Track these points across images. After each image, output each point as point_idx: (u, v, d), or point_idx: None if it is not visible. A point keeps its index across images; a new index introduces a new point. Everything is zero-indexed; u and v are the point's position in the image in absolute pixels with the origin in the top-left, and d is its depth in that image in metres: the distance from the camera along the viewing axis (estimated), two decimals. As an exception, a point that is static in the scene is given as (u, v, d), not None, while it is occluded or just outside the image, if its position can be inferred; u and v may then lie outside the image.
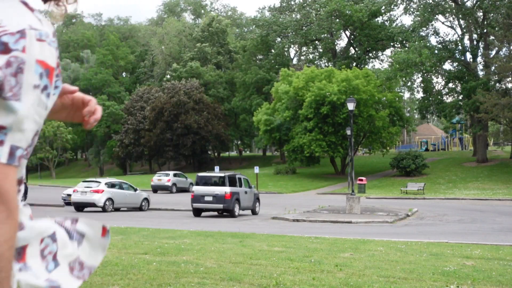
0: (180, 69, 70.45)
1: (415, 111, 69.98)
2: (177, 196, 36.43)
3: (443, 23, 51.98)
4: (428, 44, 47.75)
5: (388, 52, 63.18)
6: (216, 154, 71.36)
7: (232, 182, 23.15)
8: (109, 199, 25.39)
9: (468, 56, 50.04)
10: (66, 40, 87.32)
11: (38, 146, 68.69)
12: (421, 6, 47.75)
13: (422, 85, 53.08)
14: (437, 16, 49.39)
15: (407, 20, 65.89)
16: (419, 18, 48.32)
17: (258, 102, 60.12)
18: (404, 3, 50.81)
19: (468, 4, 48.42)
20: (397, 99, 49.73)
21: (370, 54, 63.84)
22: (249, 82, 63.97)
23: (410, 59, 45.04)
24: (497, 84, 46.69)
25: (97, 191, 25.06)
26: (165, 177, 41.33)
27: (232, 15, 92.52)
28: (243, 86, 65.52)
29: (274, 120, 48.15)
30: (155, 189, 40.86)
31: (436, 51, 48.17)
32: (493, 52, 48.34)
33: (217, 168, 35.48)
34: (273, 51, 64.96)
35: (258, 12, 71.24)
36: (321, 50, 63.90)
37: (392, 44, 59.26)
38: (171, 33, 79.08)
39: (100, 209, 25.03)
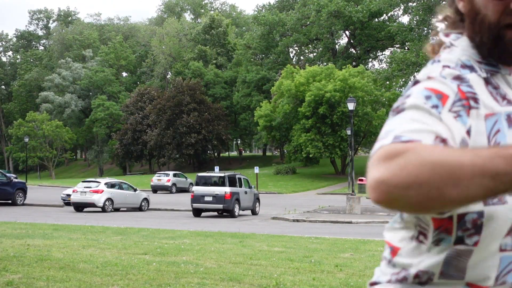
0: (184, 70, 70.49)
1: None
2: (177, 196, 36.40)
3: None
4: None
5: (388, 52, 63.26)
6: (216, 154, 71.39)
7: (232, 182, 23.12)
8: (109, 199, 25.34)
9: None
10: (69, 39, 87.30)
11: (38, 146, 68.72)
12: (420, 7, 47.70)
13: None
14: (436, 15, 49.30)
15: (407, 20, 65.65)
16: (417, 17, 48.33)
17: (258, 99, 60.15)
18: (404, 3, 50.79)
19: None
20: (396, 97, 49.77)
21: (371, 54, 63.88)
22: (251, 80, 63.99)
23: (407, 59, 45.07)
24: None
25: (96, 191, 25.01)
26: (165, 177, 41.30)
27: (231, 13, 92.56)
28: (244, 84, 65.50)
29: (275, 117, 48.20)
30: (155, 189, 40.82)
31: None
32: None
33: (217, 168, 35.45)
34: (273, 50, 64.95)
35: (256, 10, 71.32)
36: (321, 49, 63.95)
37: (392, 43, 59.29)
38: (171, 33, 79.13)
39: (99, 209, 24.99)
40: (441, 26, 1.39)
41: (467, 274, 1.20)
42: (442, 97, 1.13)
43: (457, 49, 1.27)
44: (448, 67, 1.22)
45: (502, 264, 1.20)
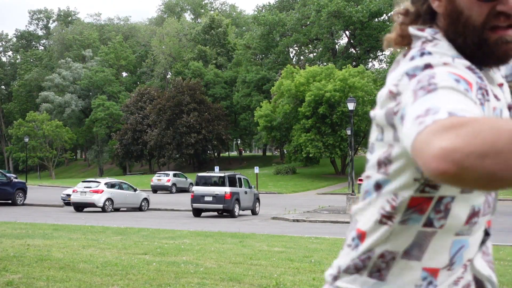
0: (184, 70, 70.49)
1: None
2: (177, 196, 36.40)
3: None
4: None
5: (388, 52, 63.11)
6: (216, 154, 71.40)
7: (232, 182, 23.13)
8: (109, 199, 25.34)
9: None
10: (69, 39, 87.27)
11: (38, 146, 68.71)
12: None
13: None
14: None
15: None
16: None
17: (258, 99, 60.16)
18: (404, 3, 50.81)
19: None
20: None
21: (371, 54, 63.87)
22: (251, 80, 63.99)
23: None
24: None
25: (96, 191, 25.01)
26: (165, 177, 41.30)
27: (231, 13, 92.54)
28: (244, 84, 65.50)
29: (275, 117, 48.22)
30: (155, 189, 40.82)
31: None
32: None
33: (217, 168, 35.46)
34: (273, 50, 64.95)
35: (255, 11, 71.32)
36: (321, 49, 63.98)
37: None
38: (171, 33, 79.14)
39: (99, 209, 24.99)
40: (400, 19, 1.35)
41: (425, 255, 1.24)
42: (468, 83, 1.11)
43: (442, 43, 1.25)
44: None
45: (454, 247, 1.26)
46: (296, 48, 70.21)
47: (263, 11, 69.22)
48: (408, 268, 1.26)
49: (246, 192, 23.72)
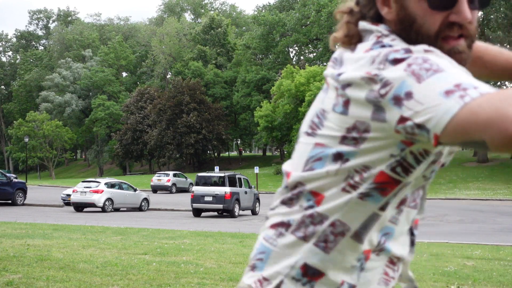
0: (184, 70, 70.46)
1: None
2: (176, 196, 36.40)
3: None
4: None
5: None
6: (216, 154, 71.38)
7: (232, 182, 23.13)
8: (109, 199, 25.35)
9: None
10: (69, 39, 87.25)
11: (38, 146, 68.74)
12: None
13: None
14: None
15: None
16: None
17: (258, 99, 60.14)
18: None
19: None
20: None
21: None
22: (250, 80, 63.99)
23: None
24: (497, 84, 46.69)
25: (96, 191, 25.01)
26: (165, 177, 41.29)
27: (231, 13, 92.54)
28: (243, 84, 65.50)
29: (275, 117, 48.21)
30: (155, 189, 40.82)
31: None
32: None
33: (217, 168, 35.44)
34: (273, 50, 64.97)
35: (255, 11, 71.35)
36: (321, 49, 64.01)
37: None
38: (171, 33, 79.12)
39: (99, 209, 25.00)
40: (345, 18, 1.31)
41: (367, 237, 1.25)
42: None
43: (400, 39, 1.22)
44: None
45: (382, 231, 1.27)
46: (296, 48, 70.21)
47: (263, 11, 69.21)
48: (352, 249, 1.25)
49: (246, 192, 23.73)
